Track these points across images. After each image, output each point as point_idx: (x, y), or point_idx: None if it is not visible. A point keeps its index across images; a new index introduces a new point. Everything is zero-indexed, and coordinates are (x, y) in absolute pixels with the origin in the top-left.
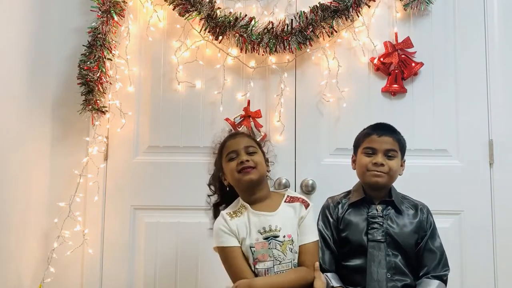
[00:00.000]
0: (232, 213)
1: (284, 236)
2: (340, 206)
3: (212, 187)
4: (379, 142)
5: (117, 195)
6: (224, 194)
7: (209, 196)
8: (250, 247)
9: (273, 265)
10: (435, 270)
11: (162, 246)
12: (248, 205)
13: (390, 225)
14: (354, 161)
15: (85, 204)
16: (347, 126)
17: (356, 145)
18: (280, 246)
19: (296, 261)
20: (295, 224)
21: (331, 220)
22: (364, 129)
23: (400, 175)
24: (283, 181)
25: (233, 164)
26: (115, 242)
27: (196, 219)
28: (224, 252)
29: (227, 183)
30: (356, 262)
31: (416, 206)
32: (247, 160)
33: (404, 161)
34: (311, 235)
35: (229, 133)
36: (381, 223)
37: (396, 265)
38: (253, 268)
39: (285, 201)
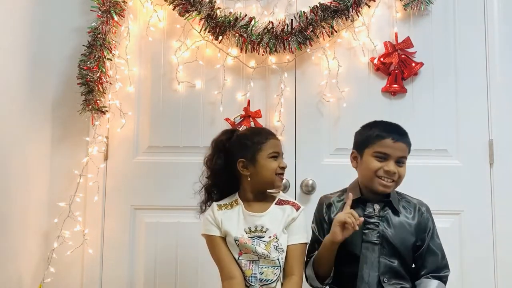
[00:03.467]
0: (222, 205)
1: (269, 237)
2: (333, 207)
3: (212, 167)
4: (394, 148)
5: (117, 195)
6: (220, 178)
7: (206, 177)
8: (235, 240)
9: (258, 258)
10: (435, 271)
11: (162, 246)
12: (242, 203)
13: (386, 228)
14: (355, 158)
15: (85, 204)
16: (347, 126)
17: (364, 144)
18: (265, 244)
19: (283, 259)
20: (282, 224)
21: (324, 225)
22: (373, 127)
23: None
24: (283, 181)
25: (275, 164)
26: (115, 242)
27: (196, 219)
28: (207, 240)
29: (248, 173)
30: (351, 267)
31: (415, 206)
32: (285, 167)
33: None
34: (300, 236)
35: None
36: (377, 224)
37: (392, 268)
38: (237, 258)
39: (275, 203)
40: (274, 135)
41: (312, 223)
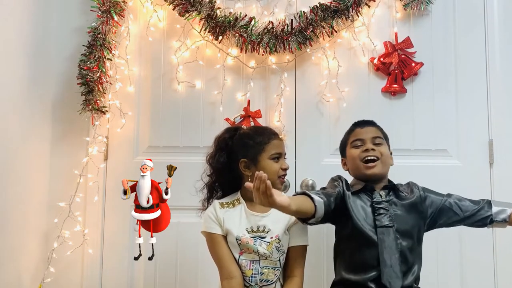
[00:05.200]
0: (224, 203)
1: (271, 237)
2: (348, 186)
3: (214, 165)
4: (364, 132)
5: (117, 195)
6: (222, 176)
7: (208, 175)
8: (236, 239)
9: (259, 259)
10: (475, 203)
11: (162, 246)
12: (244, 202)
13: (395, 210)
14: (345, 163)
15: (85, 204)
16: (347, 126)
17: (344, 145)
18: (266, 245)
19: (283, 260)
20: (284, 225)
21: (338, 187)
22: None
23: (391, 165)
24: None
25: (277, 166)
26: (115, 242)
27: (196, 219)
28: (208, 237)
29: (249, 174)
30: (371, 254)
31: (409, 185)
32: (287, 168)
33: (391, 153)
34: (302, 239)
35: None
36: (387, 208)
37: (402, 251)
38: (237, 258)
39: None
40: (277, 135)
41: (336, 179)
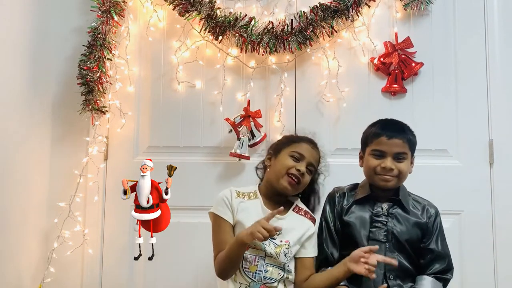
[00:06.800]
0: (241, 193)
1: (281, 241)
2: (345, 198)
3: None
4: (389, 145)
5: (117, 195)
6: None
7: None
8: None
9: (265, 255)
10: (438, 272)
11: (162, 246)
12: (261, 198)
13: (395, 224)
14: (361, 158)
15: (85, 204)
16: (347, 126)
17: (364, 143)
18: (275, 247)
19: (289, 267)
20: (299, 235)
21: (335, 208)
22: (373, 125)
23: (410, 173)
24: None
25: (291, 163)
26: (115, 242)
27: (196, 219)
28: (215, 220)
29: (268, 164)
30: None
31: (424, 207)
32: (302, 174)
33: (414, 157)
34: (315, 249)
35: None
36: (385, 222)
37: (400, 264)
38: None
39: (293, 210)
40: (312, 143)
41: (324, 212)
